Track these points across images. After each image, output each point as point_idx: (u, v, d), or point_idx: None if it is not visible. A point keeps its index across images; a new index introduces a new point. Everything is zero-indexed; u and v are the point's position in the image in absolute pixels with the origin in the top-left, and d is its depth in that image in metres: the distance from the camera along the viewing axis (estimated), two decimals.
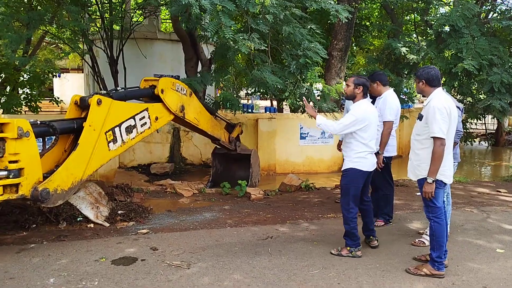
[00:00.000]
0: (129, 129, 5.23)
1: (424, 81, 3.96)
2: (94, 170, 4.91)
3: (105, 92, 5.26)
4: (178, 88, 5.99)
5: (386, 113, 5.24)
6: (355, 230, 4.40)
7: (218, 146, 7.57)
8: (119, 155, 8.64)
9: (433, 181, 3.82)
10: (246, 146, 8.12)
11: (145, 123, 5.47)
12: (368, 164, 4.41)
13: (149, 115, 5.51)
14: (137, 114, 5.35)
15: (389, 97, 5.32)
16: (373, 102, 5.68)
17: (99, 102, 4.78)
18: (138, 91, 5.74)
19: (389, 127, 5.23)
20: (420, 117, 3.99)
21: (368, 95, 6.13)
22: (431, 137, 3.81)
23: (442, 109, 3.77)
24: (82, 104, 4.91)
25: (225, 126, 7.63)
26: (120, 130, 5.11)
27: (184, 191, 7.01)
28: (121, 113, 5.12)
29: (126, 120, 5.19)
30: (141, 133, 5.43)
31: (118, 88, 5.66)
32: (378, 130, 4.70)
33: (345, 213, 4.43)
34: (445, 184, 4.00)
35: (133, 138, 5.33)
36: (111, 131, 4.99)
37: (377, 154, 5.25)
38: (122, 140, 5.16)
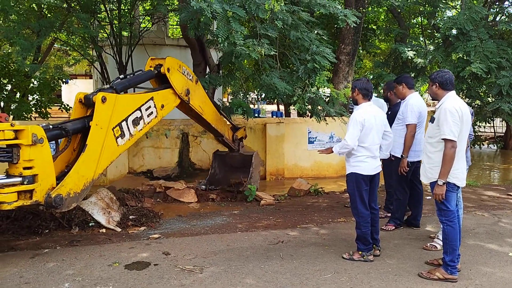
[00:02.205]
0: (136, 121, 5.16)
1: (437, 84, 3.99)
2: (104, 167, 4.89)
3: (108, 86, 5.14)
4: (184, 72, 5.93)
5: (407, 116, 5.21)
6: (367, 234, 4.41)
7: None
8: (128, 160, 8.76)
9: (444, 183, 3.83)
10: (251, 148, 8.08)
11: (152, 112, 5.38)
12: (368, 168, 4.40)
13: (154, 104, 5.42)
14: (143, 104, 5.26)
15: (411, 100, 5.30)
16: (388, 106, 5.75)
17: (103, 100, 4.71)
18: (141, 76, 5.59)
19: (412, 130, 5.20)
20: (433, 120, 4.01)
21: (383, 98, 6.16)
22: (442, 139, 3.82)
23: (453, 112, 3.79)
24: (87, 102, 4.83)
25: (230, 128, 7.60)
26: (127, 124, 5.05)
27: (181, 195, 6.93)
28: (126, 106, 5.05)
29: (132, 113, 5.11)
30: (148, 123, 5.35)
31: (120, 77, 5.50)
32: (388, 135, 4.68)
33: (356, 218, 4.47)
34: (458, 187, 4.00)
35: (141, 129, 5.26)
36: (118, 127, 4.93)
37: (401, 158, 5.26)
38: (130, 133, 5.10)
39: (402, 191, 5.47)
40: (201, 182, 7.54)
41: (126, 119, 5.04)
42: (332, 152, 4.58)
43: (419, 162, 5.29)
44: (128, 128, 5.07)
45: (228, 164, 7.84)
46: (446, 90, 3.97)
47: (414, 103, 5.26)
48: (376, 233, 4.59)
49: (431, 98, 5.26)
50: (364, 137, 4.34)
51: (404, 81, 5.44)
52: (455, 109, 3.80)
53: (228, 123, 7.52)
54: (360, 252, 4.44)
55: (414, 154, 5.32)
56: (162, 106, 5.58)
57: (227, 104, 8.13)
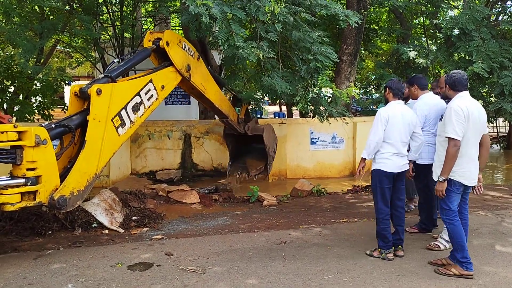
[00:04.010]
0: (135, 108, 5.00)
1: (448, 85, 4.07)
2: (107, 160, 4.80)
3: (103, 76, 4.92)
4: (185, 47, 5.74)
5: None
6: (386, 232, 4.43)
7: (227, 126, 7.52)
8: (131, 161, 8.78)
9: (444, 180, 3.87)
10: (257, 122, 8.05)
11: (152, 95, 5.21)
12: (392, 165, 4.41)
13: (154, 86, 5.23)
14: (142, 89, 5.07)
15: (418, 102, 5.25)
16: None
17: (99, 92, 4.54)
18: (138, 56, 5.40)
19: None
20: (441, 118, 4.09)
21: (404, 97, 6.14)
22: (445, 137, 3.86)
23: (458, 111, 3.83)
24: (83, 95, 4.68)
25: (231, 99, 7.43)
26: (127, 112, 4.89)
27: (183, 196, 6.92)
28: (124, 94, 4.88)
29: (131, 99, 4.95)
30: (149, 107, 5.19)
31: (115, 61, 5.33)
32: (417, 137, 4.63)
33: (376, 214, 4.53)
34: (464, 187, 4.01)
35: (142, 115, 5.11)
36: (117, 116, 4.79)
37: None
38: (131, 121, 4.95)
39: (422, 194, 5.41)
40: (229, 164, 7.77)
41: (125, 107, 4.87)
42: (365, 160, 4.52)
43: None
44: (128, 116, 4.92)
45: (242, 141, 7.90)
46: (456, 90, 4.03)
47: (420, 105, 5.17)
48: (402, 233, 4.60)
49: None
50: (389, 133, 4.38)
51: (416, 82, 5.37)
52: (460, 109, 3.84)
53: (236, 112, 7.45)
54: (379, 249, 4.49)
55: (426, 157, 5.14)
56: (163, 87, 5.38)
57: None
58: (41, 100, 11.91)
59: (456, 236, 3.97)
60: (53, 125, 4.46)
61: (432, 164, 5.08)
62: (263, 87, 6.99)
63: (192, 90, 6.24)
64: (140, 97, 5.08)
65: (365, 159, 4.50)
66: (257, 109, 9.01)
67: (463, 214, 4.20)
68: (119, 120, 4.83)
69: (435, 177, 4.13)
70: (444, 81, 4.14)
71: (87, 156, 4.55)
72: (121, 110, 4.85)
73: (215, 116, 9.04)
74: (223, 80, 7.17)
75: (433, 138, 5.10)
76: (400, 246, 4.56)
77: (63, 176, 4.42)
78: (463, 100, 3.94)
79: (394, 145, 4.40)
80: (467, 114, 3.84)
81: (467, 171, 3.95)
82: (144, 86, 5.14)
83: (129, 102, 4.94)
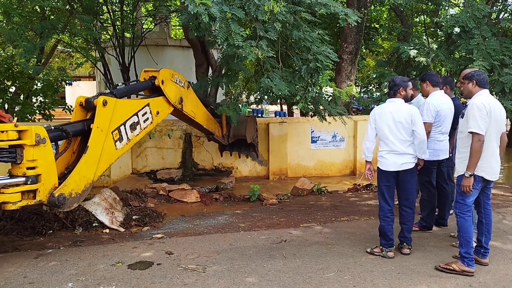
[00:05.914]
0: (133, 126, 5.25)
1: (475, 81, 4.10)
2: (103, 170, 4.93)
3: (108, 91, 5.28)
4: (176, 80, 6.07)
5: (423, 114, 5.10)
6: (386, 229, 4.44)
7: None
8: (132, 160, 8.79)
9: (470, 175, 3.91)
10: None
11: (147, 118, 5.50)
12: (388, 163, 4.44)
13: (150, 110, 5.54)
14: (140, 110, 5.37)
15: (429, 98, 5.24)
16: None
17: (104, 103, 4.78)
18: (138, 85, 5.80)
19: (426, 128, 4.96)
20: (462, 115, 4.14)
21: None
22: (469, 132, 3.92)
23: (481, 106, 3.91)
24: (87, 106, 4.92)
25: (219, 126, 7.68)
26: (125, 128, 5.13)
27: (184, 195, 7.00)
28: (125, 111, 5.15)
29: (130, 118, 5.21)
30: (144, 128, 5.44)
31: (119, 84, 5.71)
32: (415, 135, 4.61)
33: (378, 210, 4.55)
34: (486, 181, 4.06)
35: (137, 134, 5.35)
36: (117, 130, 5.00)
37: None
38: (127, 137, 5.18)
39: (425, 191, 5.39)
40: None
41: (124, 124, 5.12)
42: (369, 161, 4.65)
43: (441, 161, 5.28)
44: (126, 132, 5.16)
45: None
46: (481, 87, 4.10)
47: (432, 101, 5.16)
48: (408, 232, 4.59)
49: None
50: (380, 132, 4.49)
51: (428, 78, 5.37)
52: (482, 104, 3.93)
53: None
54: (380, 247, 4.51)
55: (433, 153, 5.15)
56: (157, 113, 5.70)
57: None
58: (42, 100, 11.94)
59: (464, 230, 4.01)
60: (52, 127, 4.56)
61: (436, 161, 5.19)
62: (260, 88, 6.99)
63: (183, 116, 6.54)
64: (138, 117, 5.35)
65: (367, 160, 4.62)
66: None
67: (486, 210, 4.25)
68: (118, 134, 5.05)
69: (456, 173, 4.19)
70: (470, 76, 4.12)
71: (88, 161, 4.66)
72: (121, 125, 5.08)
73: None
74: (207, 100, 7.55)
75: (439, 135, 5.19)
76: (405, 244, 4.56)
77: (61, 181, 4.45)
78: (485, 97, 4.03)
79: (388, 143, 4.44)
80: (489, 110, 3.92)
81: (488, 166, 4.01)
82: (142, 108, 5.43)
83: (128, 119, 5.19)
